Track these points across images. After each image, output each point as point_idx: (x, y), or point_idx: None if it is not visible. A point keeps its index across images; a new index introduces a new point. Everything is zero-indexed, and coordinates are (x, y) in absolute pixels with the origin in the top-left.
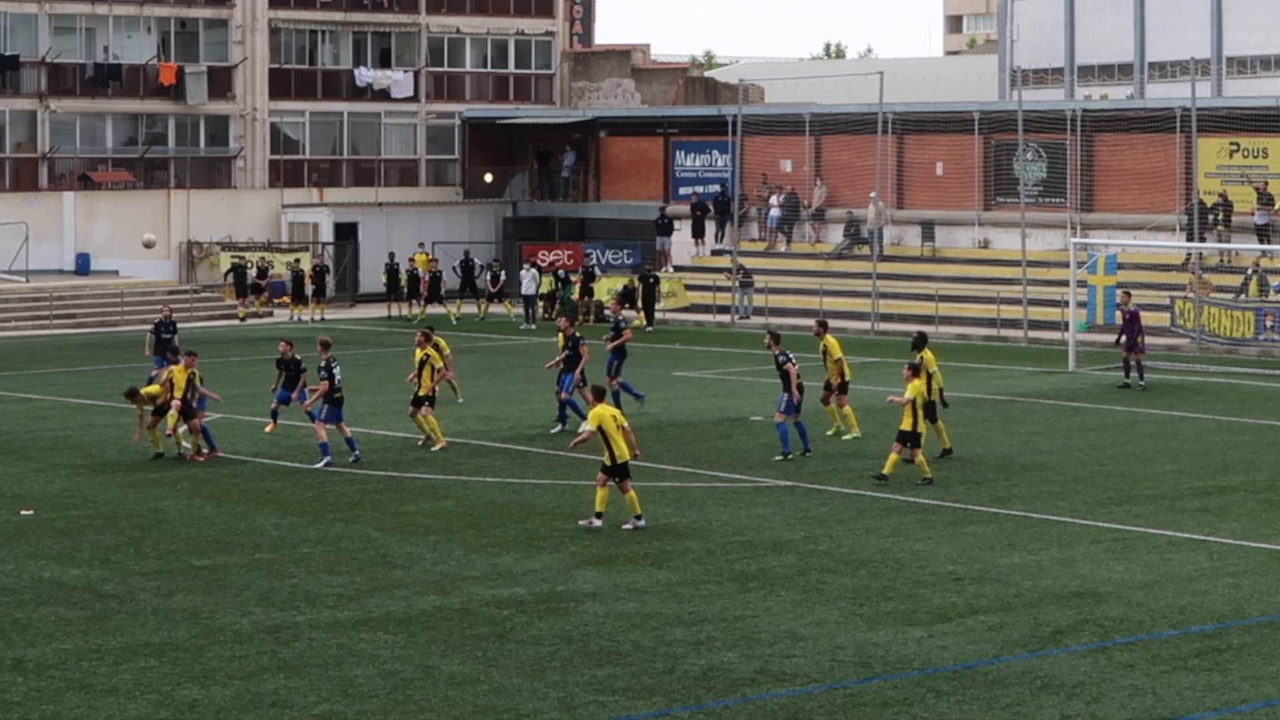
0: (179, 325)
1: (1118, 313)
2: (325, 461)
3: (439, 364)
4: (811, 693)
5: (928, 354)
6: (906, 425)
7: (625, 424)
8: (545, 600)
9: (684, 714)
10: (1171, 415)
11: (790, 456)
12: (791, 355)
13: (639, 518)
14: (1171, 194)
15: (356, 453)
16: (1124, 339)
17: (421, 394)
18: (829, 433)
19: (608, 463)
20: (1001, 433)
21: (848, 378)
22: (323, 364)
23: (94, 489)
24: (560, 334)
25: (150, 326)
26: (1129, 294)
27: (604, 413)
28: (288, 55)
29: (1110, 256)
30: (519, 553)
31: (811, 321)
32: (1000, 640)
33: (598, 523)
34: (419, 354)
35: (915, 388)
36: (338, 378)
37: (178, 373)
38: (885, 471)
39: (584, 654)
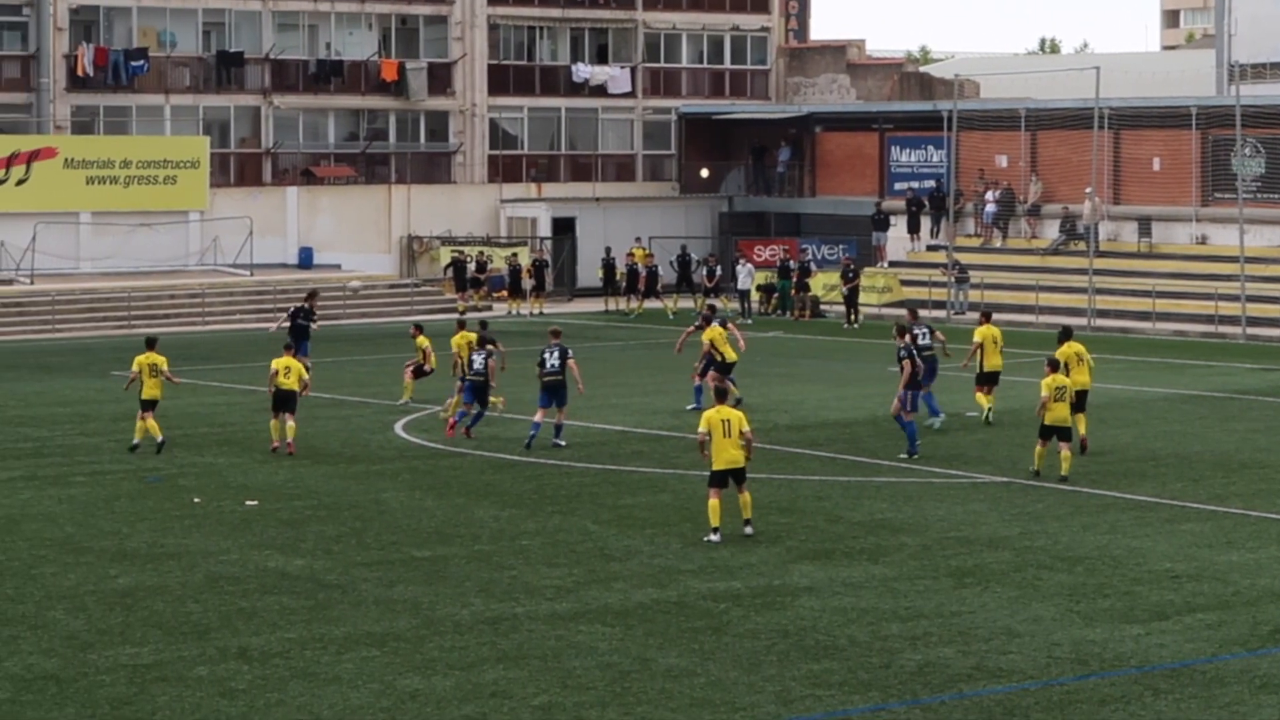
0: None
1: None
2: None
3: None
4: (1028, 689)
5: (1069, 348)
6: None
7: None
8: (761, 594)
9: (900, 709)
10: None
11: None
12: (913, 350)
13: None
14: None
15: (558, 440)
16: None
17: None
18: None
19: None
20: (1219, 430)
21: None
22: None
23: (317, 480)
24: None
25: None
26: None
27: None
28: (506, 51)
29: None
30: (735, 546)
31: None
32: (1218, 638)
33: (716, 538)
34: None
35: (1047, 384)
36: (549, 364)
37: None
38: (1035, 467)
39: (800, 648)
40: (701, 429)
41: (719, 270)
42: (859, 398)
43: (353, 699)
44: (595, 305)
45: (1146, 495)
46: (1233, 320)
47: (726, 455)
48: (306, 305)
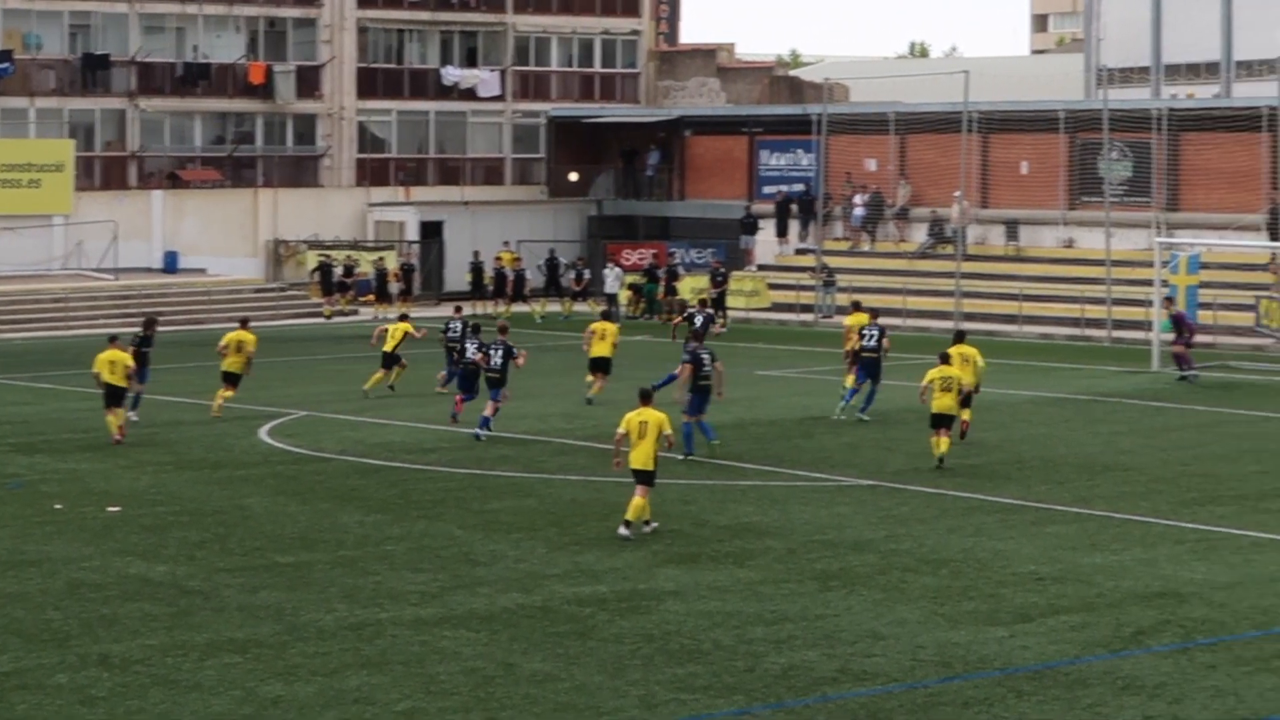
0: (259, 323)
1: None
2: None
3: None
4: (892, 692)
5: (958, 349)
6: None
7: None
8: (626, 598)
9: (764, 713)
10: (1256, 415)
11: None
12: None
13: (647, 523)
14: (1257, 193)
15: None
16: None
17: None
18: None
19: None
20: (1084, 432)
21: None
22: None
23: (180, 486)
24: None
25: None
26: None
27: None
28: (375, 54)
29: (1193, 256)
30: (601, 551)
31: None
32: (1082, 640)
33: (625, 532)
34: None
35: (931, 375)
36: (495, 360)
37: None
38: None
39: (665, 652)
40: (620, 429)
41: (587, 274)
42: (725, 401)
43: (214, 706)
44: (464, 309)
45: (1011, 498)
46: (1098, 323)
47: (643, 455)
48: (146, 334)
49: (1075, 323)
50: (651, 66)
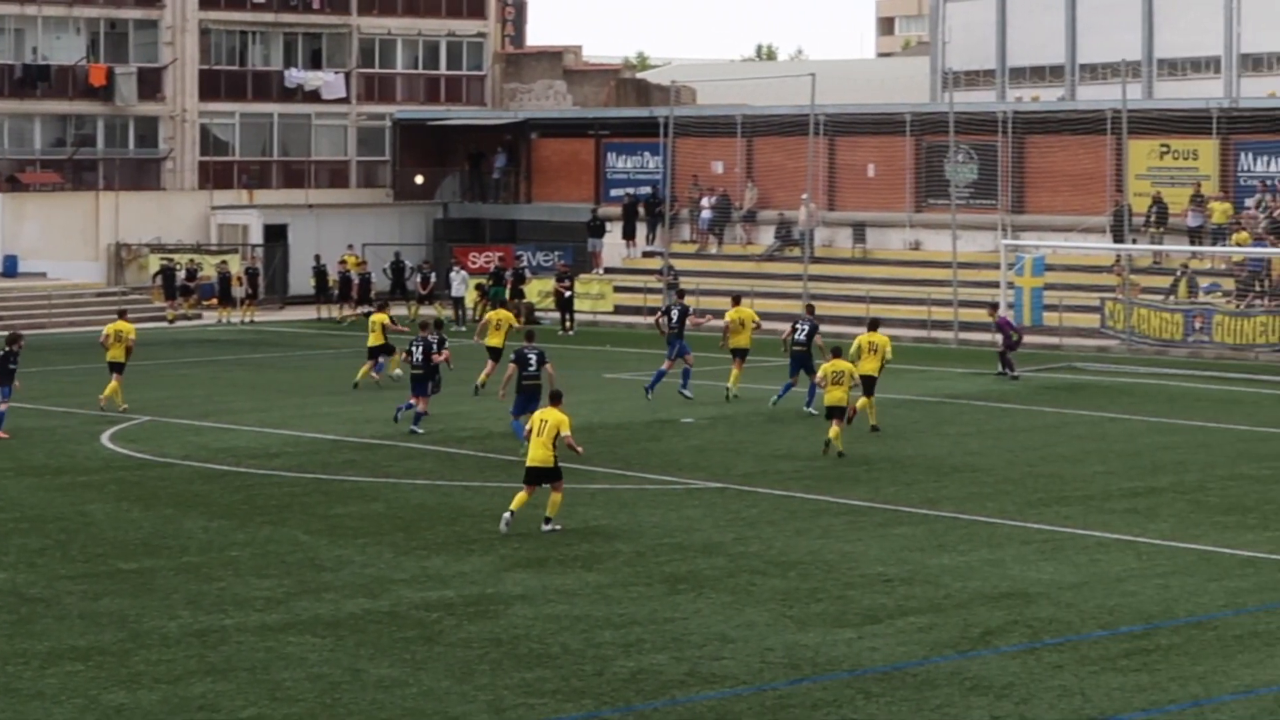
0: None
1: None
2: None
3: None
4: (741, 694)
5: (864, 338)
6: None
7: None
8: (474, 603)
9: (613, 716)
10: (1101, 416)
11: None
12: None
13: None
14: (1102, 196)
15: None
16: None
17: None
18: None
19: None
20: (932, 434)
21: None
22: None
23: (20, 492)
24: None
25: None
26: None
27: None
28: (218, 56)
29: (1038, 258)
30: (448, 555)
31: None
32: (930, 641)
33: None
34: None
35: (825, 369)
36: (416, 356)
37: None
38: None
39: (513, 656)
40: (527, 426)
41: (433, 277)
42: (573, 404)
43: (57, 714)
44: (308, 313)
45: (860, 499)
46: (945, 325)
47: (534, 454)
48: (11, 349)
49: (922, 325)
50: (497, 69)
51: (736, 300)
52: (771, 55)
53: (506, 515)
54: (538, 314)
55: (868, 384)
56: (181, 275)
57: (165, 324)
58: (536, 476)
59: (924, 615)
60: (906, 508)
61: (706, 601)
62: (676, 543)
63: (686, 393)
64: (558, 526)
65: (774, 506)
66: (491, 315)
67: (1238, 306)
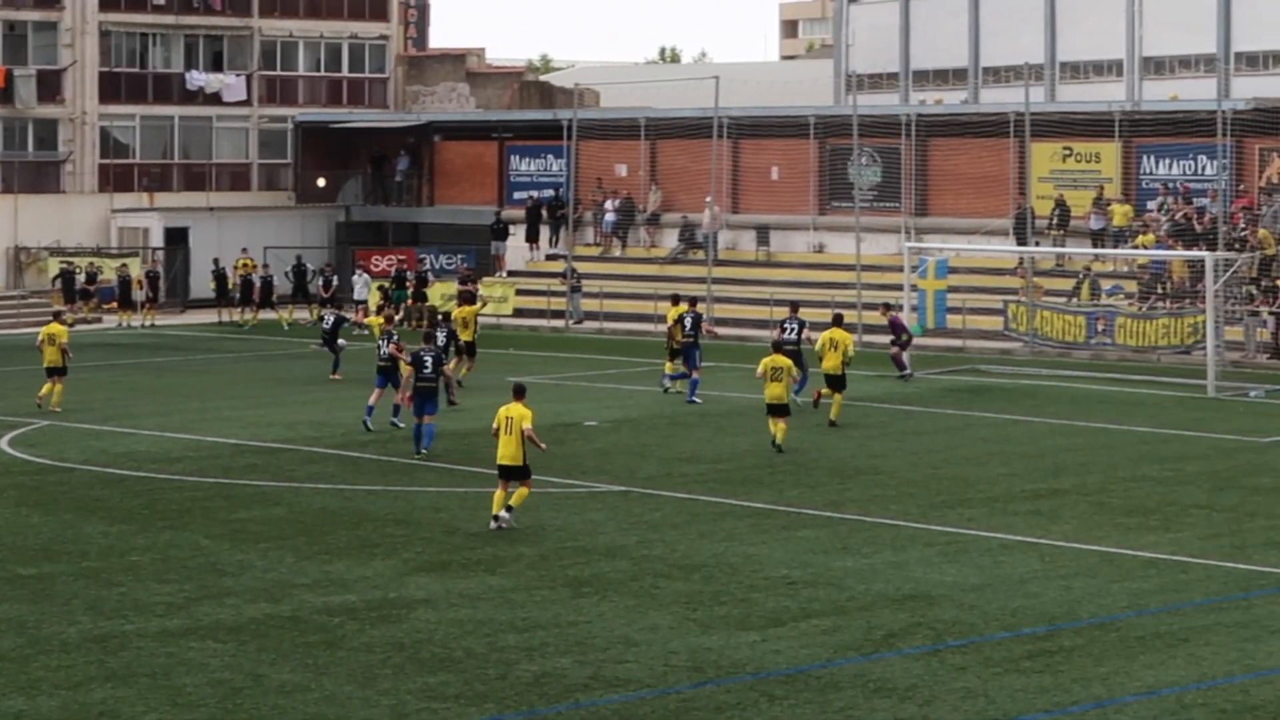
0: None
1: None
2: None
3: None
4: (644, 698)
5: (827, 334)
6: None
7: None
8: (377, 607)
9: None
10: (1004, 418)
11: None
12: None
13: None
14: (1005, 198)
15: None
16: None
17: None
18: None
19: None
20: (835, 436)
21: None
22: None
23: None
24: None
25: None
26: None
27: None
28: (118, 58)
29: (941, 261)
30: (351, 560)
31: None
32: (833, 644)
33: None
34: None
35: (764, 364)
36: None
37: None
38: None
39: (416, 661)
40: (494, 424)
41: (335, 280)
42: (476, 408)
43: None
44: (209, 316)
45: (763, 502)
46: (849, 328)
47: (503, 451)
48: None
49: (826, 327)
50: (400, 71)
51: (675, 300)
52: (675, 58)
53: (496, 518)
54: (439, 317)
55: (832, 381)
56: (81, 279)
57: (65, 328)
58: (508, 474)
59: (828, 618)
60: (810, 510)
61: (610, 605)
62: (580, 546)
63: (697, 400)
64: (514, 523)
65: (678, 509)
66: (458, 313)
67: (1140, 309)
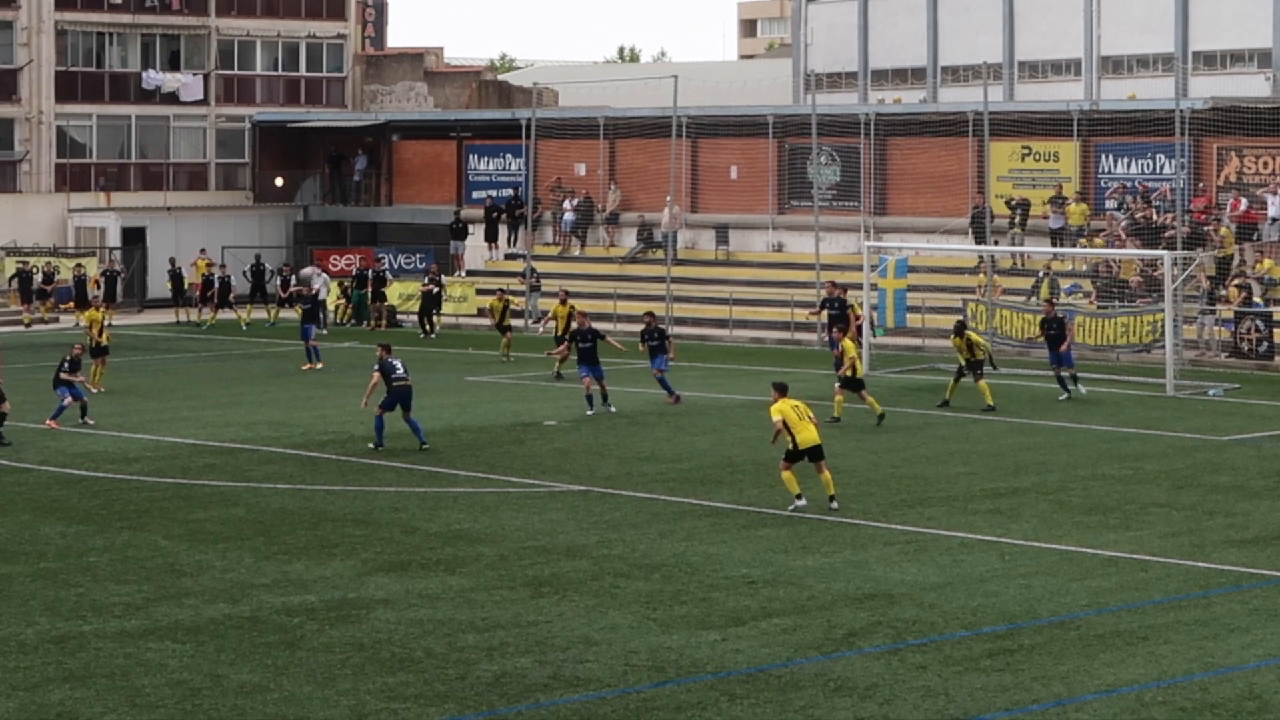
0: None
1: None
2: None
3: None
4: (605, 698)
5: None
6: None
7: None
8: (336, 607)
9: None
10: (964, 418)
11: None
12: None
13: (833, 499)
14: (964, 197)
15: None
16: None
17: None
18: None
19: (790, 448)
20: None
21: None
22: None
23: None
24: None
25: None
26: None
27: (785, 405)
28: (74, 58)
29: (901, 260)
30: (310, 560)
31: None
32: (794, 643)
33: (802, 502)
34: None
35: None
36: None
37: None
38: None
39: (375, 661)
40: (777, 417)
41: (294, 280)
42: (435, 408)
43: None
44: (167, 316)
45: (723, 502)
46: (809, 327)
47: (806, 436)
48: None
49: (786, 326)
50: (358, 70)
51: (564, 298)
52: (634, 57)
53: (800, 502)
54: (399, 317)
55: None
56: (38, 279)
57: (21, 328)
58: (815, 454)
59: (788, 617)
60: (770, 510)
61: (570, 605)
62: (540, 546)
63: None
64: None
65: (637, 509)
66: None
67: (1098, 308)
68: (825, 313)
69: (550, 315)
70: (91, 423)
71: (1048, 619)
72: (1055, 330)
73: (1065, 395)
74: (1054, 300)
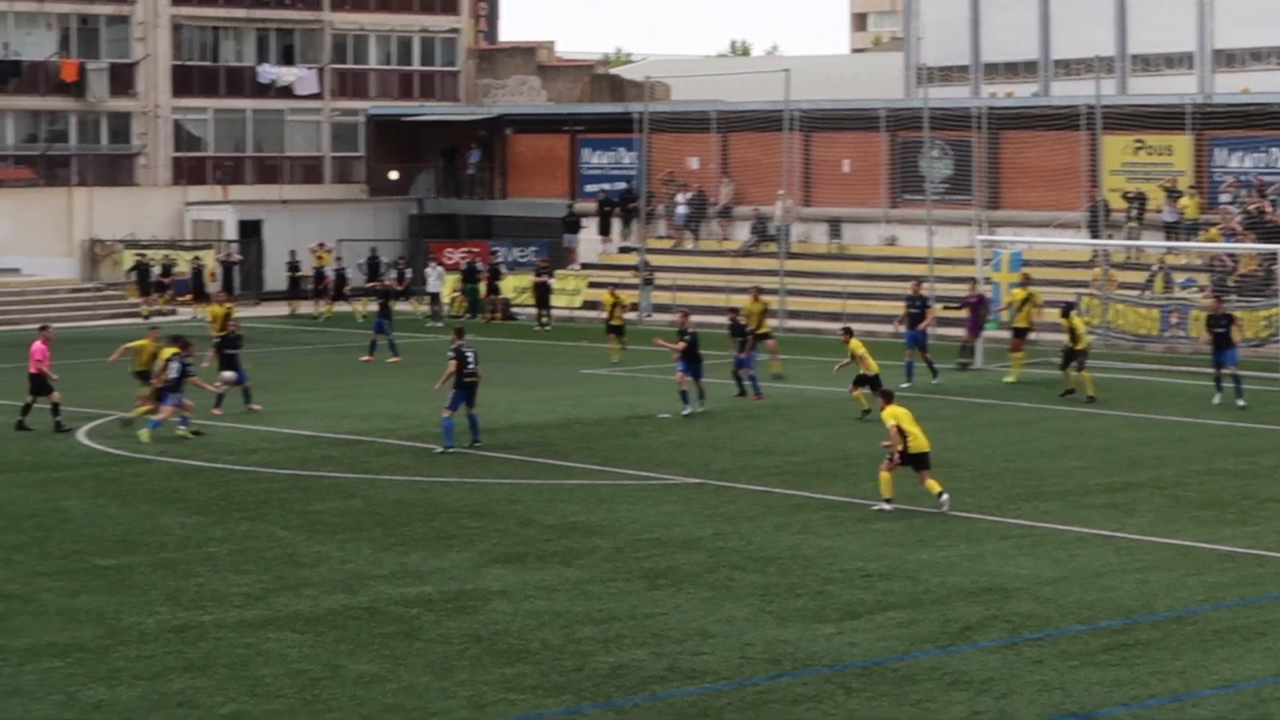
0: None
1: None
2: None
3: None
4: (721, 690)
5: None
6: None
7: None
8: (453, 599)
9: (593, 712)
10: (1079, 412)
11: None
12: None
13: (941, 494)
14: (1076, 191)
15: (478, 436)
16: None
17: None
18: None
19: (903, 450)
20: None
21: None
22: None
23: None
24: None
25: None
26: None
27: (897, 410)
28: (190, 52)
29: (1015, 253)
30: (427, 551)
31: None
32: (909, 636)
33: (889, 508)
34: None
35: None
36: (470, 363)
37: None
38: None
39: (492, 652)
40: (891, 422)
41: (409, 273)
42: (551, 400)
43: (35, 711)
44: (283, 309)
45: (838, 495)
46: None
47: (919, 442)
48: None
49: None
50: (471, 64)
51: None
52: (746, 51)
53: (887, 507)
54: (513, 309)
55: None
56: (156, 271)
57: (139, 320)
58: (922, 462)
59: (903, 610)
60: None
61: (686, 597)
62: (655, 538)
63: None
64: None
65: (752, 502)
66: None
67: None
68: (908, 310)
69: (746, 312)
70: (257, 408)
71: (1164, 614)
72: (1224, 327)
73: (1221, 397)
74: (1220, 297)
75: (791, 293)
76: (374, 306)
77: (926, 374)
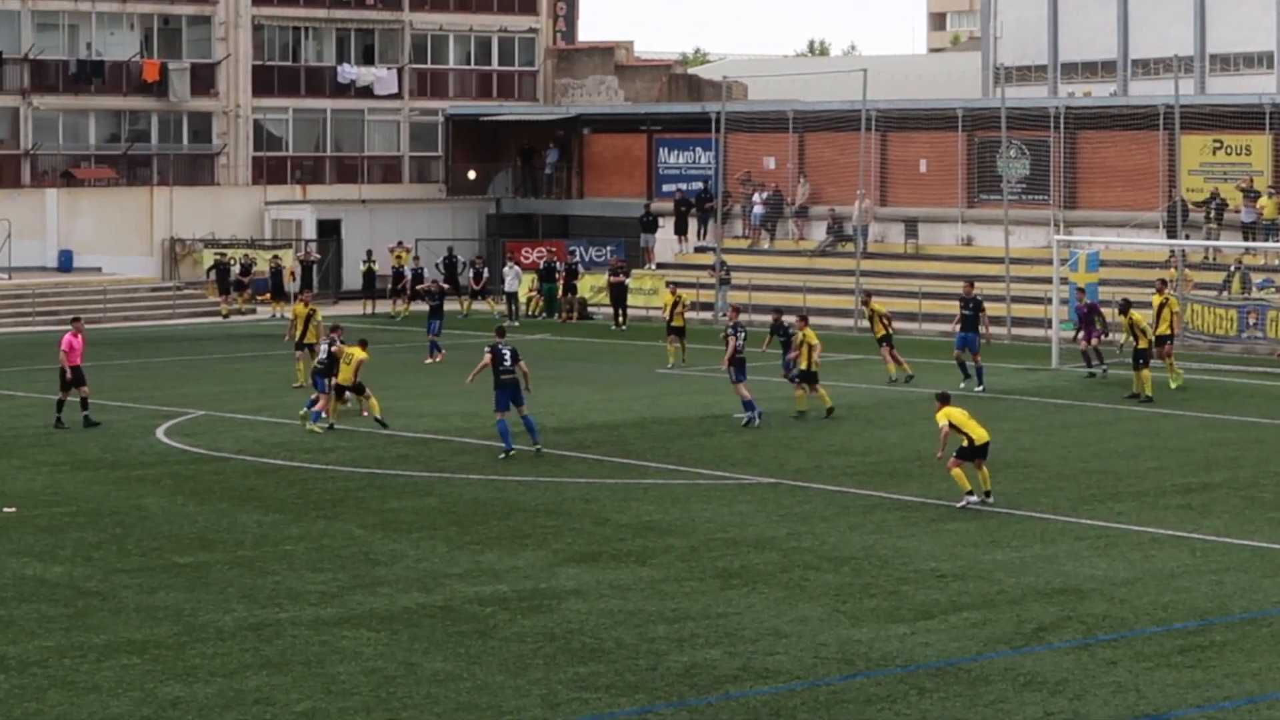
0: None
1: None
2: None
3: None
4: (794, 689)
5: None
6: None
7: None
8: (528, 597)
9: (667, 711)
10: (1154, 412)
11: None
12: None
13: (989, 494)
14: (1154, 191)
15: (536, 439)
16: (1082, 332)
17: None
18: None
19: (965, 445)
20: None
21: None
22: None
23: (76, 486)
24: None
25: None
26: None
27: (950, 411)
28: (271, 52)
29: (1092, 254)
30: (502, 550)
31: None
32: (983, 637)
33: (974, 499)
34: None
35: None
36: (505, 360)
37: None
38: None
39: (567, 651)
40: (943, 422)
41: (486, 272)
42: (626, 400)
43: (113, 707)
44: (360, 308)
45: (912, 495)
46: (998, 321)
47: (979, 432)
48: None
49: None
50: (549, 64)
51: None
52: (823, 51)
53: (971, 498)
54: (590, 309)
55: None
56: (235, 270)
57: (219, 319)
58: (982, 452)
59: (977, 611)
60: (959, 503)
61: (760, 597)
62: (729, 538)
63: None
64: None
65: (827, 502)
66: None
67: None
68: (961, 312)
69: (867, 313)
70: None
71: (1240, 615)
72: None
73: None
74: None
75: (868, 292)
76: (424, 307)
77: (956, 376)
